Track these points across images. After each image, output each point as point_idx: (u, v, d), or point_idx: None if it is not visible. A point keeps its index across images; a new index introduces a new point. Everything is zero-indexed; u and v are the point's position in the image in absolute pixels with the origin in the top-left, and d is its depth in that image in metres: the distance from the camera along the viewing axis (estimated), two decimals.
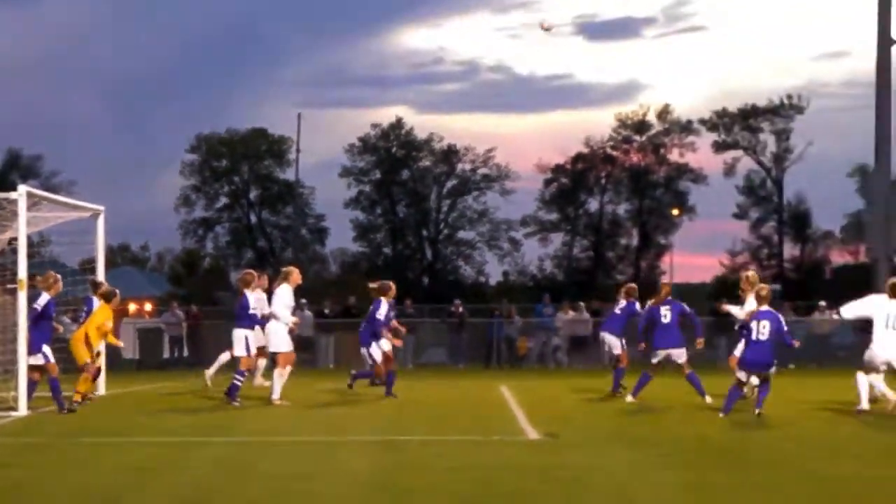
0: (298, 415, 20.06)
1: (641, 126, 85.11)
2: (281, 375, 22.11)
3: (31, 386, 20.79)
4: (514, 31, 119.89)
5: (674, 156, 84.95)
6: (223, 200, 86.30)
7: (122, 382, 27.88)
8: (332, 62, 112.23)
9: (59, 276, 21.31)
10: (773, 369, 18.97)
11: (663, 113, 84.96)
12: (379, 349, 22.94)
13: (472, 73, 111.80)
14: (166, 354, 41.06)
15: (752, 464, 13.19)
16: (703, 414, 19.85)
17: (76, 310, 22.40)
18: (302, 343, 32.05)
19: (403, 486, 11.60)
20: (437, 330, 41.94)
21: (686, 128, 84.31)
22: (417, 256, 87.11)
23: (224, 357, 25.07)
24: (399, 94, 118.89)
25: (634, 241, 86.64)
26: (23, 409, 20.07)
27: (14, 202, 20.86)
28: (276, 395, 21.88)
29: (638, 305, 24.01)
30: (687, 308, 21.95)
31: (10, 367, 20.97)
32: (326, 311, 40.80)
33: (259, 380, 25.98)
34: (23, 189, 21.14)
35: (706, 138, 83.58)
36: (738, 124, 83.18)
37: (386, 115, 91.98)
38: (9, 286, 21.52)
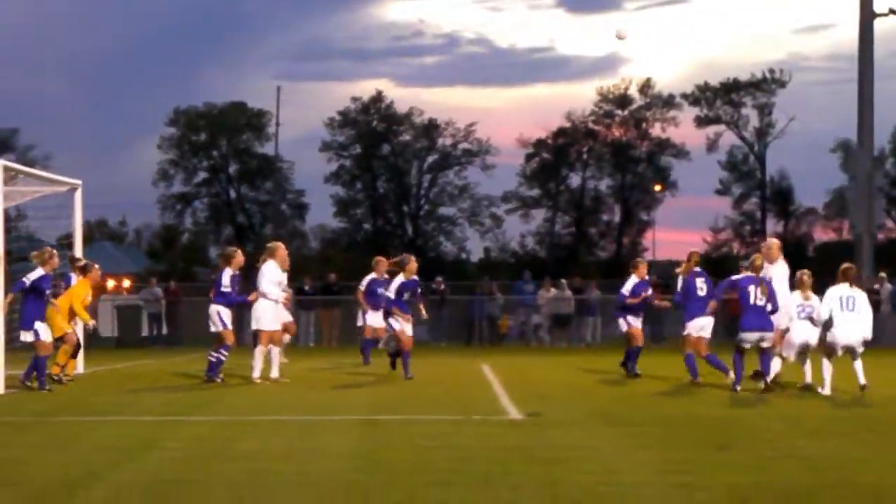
0: (279, 393, 20.04)
1: (623, 100, 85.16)
2: (262, 353, 22.06)
3: (41, 362, 20.59)
4: (494, 3, 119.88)
5: (656, 130, 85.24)
6: (202, 175, 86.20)
7: (100, 360, 27.85)
8: (312, 35, 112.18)
9: (55, 252, 21.19)
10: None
11: (645, 87, 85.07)
12: (397, 322, 22.77)
13: (452, 46, 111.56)
14: (145, 332, 41.01)
15: (737, 442, 13.21)
16: (689, 392, 19.91)
17: (55, 286, 22.32)
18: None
19: (384, 465, 11.58)
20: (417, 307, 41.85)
21: (668, 102, 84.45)
22: (398, 233, 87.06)
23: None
24: (379, 68, 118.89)
25: (616, 218, 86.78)
26: (0, 388, 20.03)
27: None
28: (256, 374, 21.86)
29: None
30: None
31: None
32: (306, 287, 40.77)
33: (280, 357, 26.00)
34: None
35: (688, 113, 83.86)
36: (720, 98, 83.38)
37: (366, 89, 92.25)
38: None
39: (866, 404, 17.97)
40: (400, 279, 22.85)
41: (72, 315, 22.01)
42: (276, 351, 22.40)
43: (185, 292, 43.20)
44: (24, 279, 20.49)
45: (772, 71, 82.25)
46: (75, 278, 22.60)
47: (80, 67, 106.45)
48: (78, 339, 22.71)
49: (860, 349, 19.48)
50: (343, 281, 40.96)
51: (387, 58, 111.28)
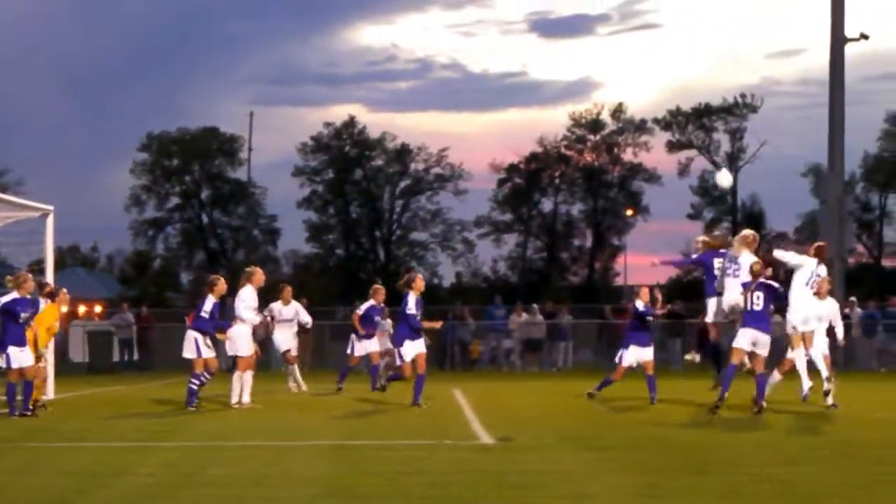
0: (251, 419, 19.95)
1: (595, 125, 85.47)
2: (240, 379, 22.02)
3: (10, 388, 20.46)
4: (468, 27, 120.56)
5: (628, 155, 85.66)
6: (174, 200, 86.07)
7: (71, 386, 27.68)
8: (285, 59, 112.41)
9: (30, 276, 21.05)
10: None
11: (617, 112, 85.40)
12: (412, 349, 21.90)
13: (425, 71, 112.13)
14: (116, 357, 40.83)
15: (709, 466, 13.18)
16: (661, 415, 19.88)
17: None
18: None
19: (355, 491, 11.52)
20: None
21: (640, 127, 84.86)
22: (371, 257, 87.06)
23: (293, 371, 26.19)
24: (352, 92, 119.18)
25: (588, 242, 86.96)
26: None
27: None
28: (234, 400, 21.89)
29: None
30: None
31: None
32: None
33: (292, 384, 25.99)
34: None
35: (660, 137, 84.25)
36: (691, 123, 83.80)
37: (339, 114, 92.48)
38: None
39: (841, 428, 17.96)
40: (412, 296, 22.20)
41: (49, 335, 21.89)
42: (249, 375, 22.31)
43: (156, 318, 43.12)
44: None
45: (743, 96, 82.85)
46: (44, 303, 22.47)
47: (53, 92, 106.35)
48: (44, 369, 22.52)
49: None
50: (316, 306, 40.82)
51: (360, 82, 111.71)
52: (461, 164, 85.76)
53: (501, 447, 15.34)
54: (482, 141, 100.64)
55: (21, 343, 20.32)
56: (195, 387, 21.68)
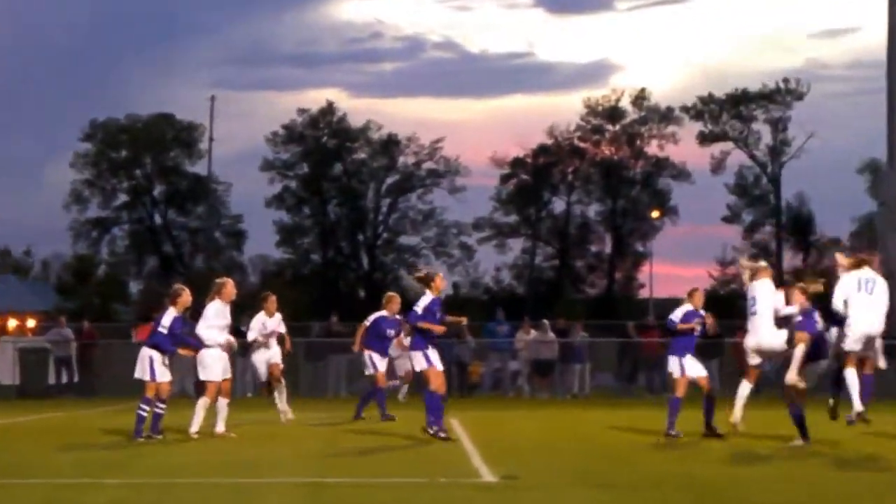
0: (214, 451, 19.92)
1: (614, 113, 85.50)
2: (205, 406, 22.04)
3: None
4: (463, 1, 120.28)
5: (652, 148, 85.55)
6: (122, 198, 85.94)
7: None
8: (252, 37, 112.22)
9: None
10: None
11: (639, 98, 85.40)
12: (424, 360, 21.57)
13: (414, 51, 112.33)
14: (52, 379, 40.73)
15: None
16: (688, 449, 19.87)
17: None
18: None
19: None
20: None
21: (666, 116, 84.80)
22: (352, 265, 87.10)
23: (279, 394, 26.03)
24: (330, 75, 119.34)
25: (607, 249, 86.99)
26: None
27: None
28: (194, 428, 21.89)
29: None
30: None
31: None
32: (244, 328, 40.52)
33: (284, 405, 25.92)
34: None
35: (690, 128, 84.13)
36: (726, 112, 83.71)
37: (315, 99, 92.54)
38: None
39: (872, 465, 17.89)
40: (429, 297, 22.13)
41: None
42: (223, 402, 22.27)
43: (100, 334, 43.03)
44: None
45: (786, 80, 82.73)
46: None
47: None
48: None
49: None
50: (289, 321, 40.73)
51: (339, 63, 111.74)
52: (457, 158, 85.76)
53: (504, 486, 15.35)
54: (482, 131, 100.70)
55: None
56: (144, 413, 21.61)
